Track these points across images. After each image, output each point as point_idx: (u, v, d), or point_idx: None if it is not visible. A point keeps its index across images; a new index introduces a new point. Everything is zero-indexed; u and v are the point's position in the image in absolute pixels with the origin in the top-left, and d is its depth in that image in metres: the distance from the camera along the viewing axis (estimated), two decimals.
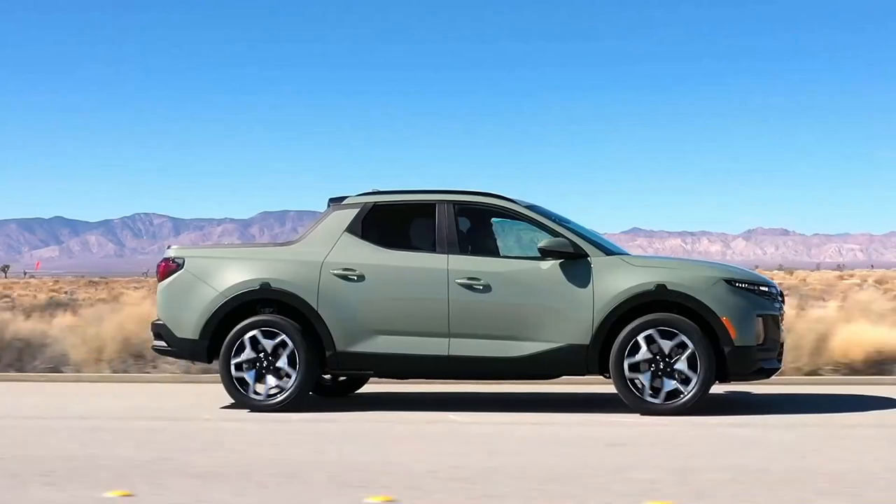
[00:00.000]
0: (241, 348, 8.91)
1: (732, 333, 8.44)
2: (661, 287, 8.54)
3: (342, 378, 10.21)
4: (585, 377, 9.12)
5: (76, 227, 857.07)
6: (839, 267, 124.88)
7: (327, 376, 10.06)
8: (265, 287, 9.00)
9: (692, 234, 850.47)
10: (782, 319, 9.05)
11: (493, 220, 9.50)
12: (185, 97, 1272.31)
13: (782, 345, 9.05)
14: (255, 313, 9.05)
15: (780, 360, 8.98)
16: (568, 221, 9.38)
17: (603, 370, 8.71)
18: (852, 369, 11.55)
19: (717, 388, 10.20)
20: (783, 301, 9.23)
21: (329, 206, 9.43)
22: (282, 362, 8.88)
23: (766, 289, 8.83)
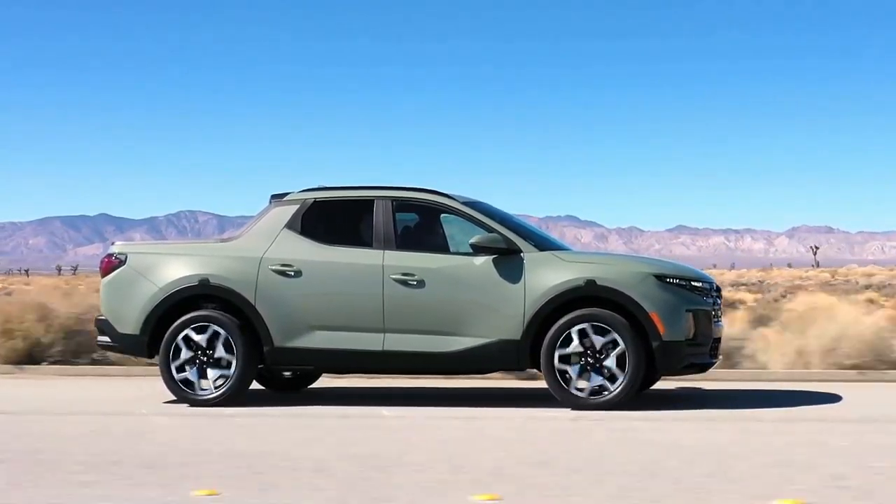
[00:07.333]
0: (179, 346, 9.02)
1: (660, 328, 8.44)
2: (590, 283, 8.56)
3: (298, 372, 10.29)
4: (534, 372, 9.17)
5: (121, 224, 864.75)
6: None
7: (287, 373, 10.19)
8: (204, 283, 9.10)
9: (736, 231, 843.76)
10: (717, 315, 9.04)
11: (440, 216, 9.48)
12: (230, 94, 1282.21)
13: (717, 340, 9.05)
14: (197, 309, 9.15)
15: (713, 356, 8.98)
16: (510, 218, 9.41)
17: (535, 365, 8.74)
18: None
19: (669, 384, 10.22)
20: (720, 296, 9.20)
21: (270, 202, 9.52)
22: (219, 358, 8.99)
23: (699, 284, 8.83)
